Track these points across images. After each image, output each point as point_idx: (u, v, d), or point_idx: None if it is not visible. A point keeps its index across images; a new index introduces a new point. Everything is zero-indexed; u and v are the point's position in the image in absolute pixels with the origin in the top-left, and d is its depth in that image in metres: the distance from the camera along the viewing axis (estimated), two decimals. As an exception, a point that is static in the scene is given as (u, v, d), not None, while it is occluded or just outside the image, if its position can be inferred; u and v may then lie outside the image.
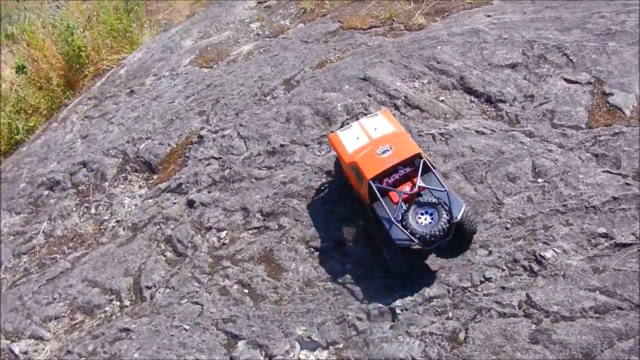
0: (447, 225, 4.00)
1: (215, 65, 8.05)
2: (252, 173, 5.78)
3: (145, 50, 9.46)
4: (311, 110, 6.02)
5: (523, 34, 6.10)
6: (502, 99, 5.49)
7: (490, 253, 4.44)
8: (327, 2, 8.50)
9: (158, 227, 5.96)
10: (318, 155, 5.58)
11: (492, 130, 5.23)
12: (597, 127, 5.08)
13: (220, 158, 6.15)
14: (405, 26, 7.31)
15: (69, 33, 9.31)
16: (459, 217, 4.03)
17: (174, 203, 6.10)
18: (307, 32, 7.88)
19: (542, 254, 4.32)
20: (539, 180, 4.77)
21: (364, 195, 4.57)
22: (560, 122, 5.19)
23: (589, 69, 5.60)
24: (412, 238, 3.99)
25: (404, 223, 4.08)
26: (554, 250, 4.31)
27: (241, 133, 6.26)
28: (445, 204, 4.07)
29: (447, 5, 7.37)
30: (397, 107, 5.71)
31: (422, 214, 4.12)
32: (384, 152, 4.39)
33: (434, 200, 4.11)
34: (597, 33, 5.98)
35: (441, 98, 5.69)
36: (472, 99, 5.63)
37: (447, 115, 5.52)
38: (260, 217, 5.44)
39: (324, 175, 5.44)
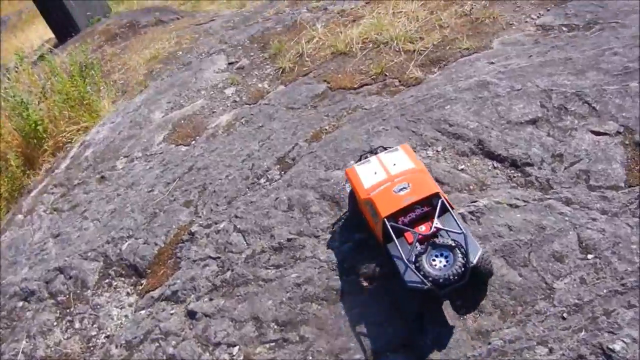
0: (462, 269, 3.99)
1: (194, 142, 7.85)
2: (259, 274, 5.55)
3: (111, 126, 9.24)
4: (316, 194, 5.83)
5: (537, 82, 6.04)
6: (528, 162, 5.38)
7: (551, 351, 4.27)
8: (307, 59, 8.35)
9: (157, 344, 5.68)
10: (333, 249, 5.36)
11: (525, 201, 5.09)
12: (638, 185, 4.96)
13: (219, 258, 5.91)
14: (400, 81, 7.25)
15: (23, 108, 9.08)
16: (474, 262, 4.08)
17: (172, 314, 5.83)
18: (291, 95, 7.75)
19: (610, 346, 4.15)
20: (589, 256, 4.63)
21: (377, 234, 4.59)
22: (597, 183, 5.07)
23: (614, 116, 5.53)
24: (425, 281, 4.03)
25: (417, 265, 4.12)
26: (623, 341, 4.14)
27: (238, 226, 6.04)
28: (462, 247, 4.11)
29: (442, 53, 7.32)
30: (412, 182, 5.52)
31: (436, 256, 4.08)
32: (401, 190, 4.44)
33: (451, 242, 4.17)
34: (614, 73, 5.94)
35: (461, 167, 5.56)
36: (495, 164, 5.50)
37: (471, 187, 5.38)
38: (276, 327, 5.20)
39: (345, 271, 5.20)
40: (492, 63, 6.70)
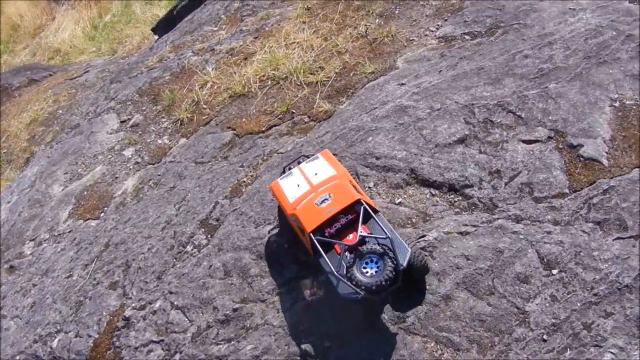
0: (394, 273, 4.28)
1: (103, 215, 7.55)
2: (211, 352, 5.39)
3: (8, 206, 8.73)
4: (252, 255, 5.74)
5: (455, 98, 6.24)
6: (467, 184, 5.53)
7: (540, 379, 4.35)
8: (204, 106, 8.26)
9: None
10: (284, 311, 5.28)
11: (474, 226, 5.22)
12: (582, 189, 5.23)
13: (162, 340, 5.68)
14: (309, 117, 7.28)
15: None
16: (404, 264, 4.32)
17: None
18: (196, 149, 7.64)
19: (599, 361, 4.29)
20: (554, 271, 4.80)
21: (307, 247, 4.86)
22: (541, 194, 5.28)
23: (541, 121, 5.79)
24: (358, 290, 4.26)
25: (349, 275, 4.34)
26: (611, 352, 4.30)
27: (175, 302, 5.84)
28: (390, 252, 4.34)
29: (347, 81, 7.43)
30: (351, 225, 5.53)
31: (367, 264, 4.41)
32: (323, 202, 4.75)
33: (379, 248, 4.39)
34: (531, 77, 6.24)
35: (397, 200, 5.64)
36: (433, 191, 5.62)
37: (414, 220, 5.46)
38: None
39: (302, 334, 5.12)
40: (403, 84, 6.86)
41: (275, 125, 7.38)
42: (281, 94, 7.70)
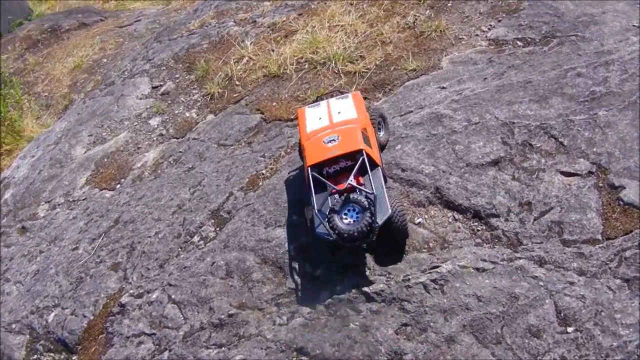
0: (367, 228, 4.48)
1: (119, 186, 7.37)
2: (200, 356, 5.15)
3: (31, 161, 8.63)
4: (257, 259, 5.45)
5: (496, 113, 5.79)
6: (493, 213, 5.11)
7: None
8: (237, 82, 7.92)
9: None
10: (280, 325, 4.98)
11: (493, 263, 4.82)
12: (616, 238, 4.79)
13: (154, 334, 5.49)
14: None
15: None
16: (379, 223, 4.47)
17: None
18: (222, 129, 7.38)
19: None
20: (569, 329, 4.40)
21: (305, 179, 4.96)
22: (571, 236, 4.85)
23: (585, 152, 5.31)
24: (331, 233, 4.52)
25: (330, 216, 4.58)
26: None
27: (173, 296, 5.62)
28: (371, 207, 4.49)
29: (387, 75, 7.02)
30: (365, 241, 5.18)
31: (348, 212, 4.64)
32: (330, 142, 4.95)
33: (363, 201, 4.56)
34: (581, 100, 5.75)
35: (417, 220, 5.25)
36: (456, 216, 5.22)
37: (431, 244, 5.08)
38: None
39: (294, 354, 4.82)
40: (444, 88, 6.42)
41: (305, 114, 6.85)
42: (316, 81, 7.32)
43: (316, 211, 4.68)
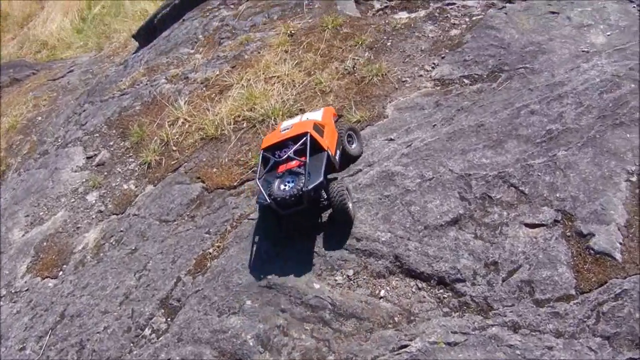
0: (297, 192, 5.17)
1: (61, 273, 7.18)
2: None
3: None
4: (214, 352, 5.28)
5: (450, 165, 5.73)
6: (459, 278, 5.02)
7: None
8: (174, 148, 7.74)
9: None
10: None
11: (464, 334, 4.72)
12: (591, 291, 4.74)
13: None
14: None
15: None
16: (309, 188, 5.15)
17: None
18: (162, 202, 7.33)
19: None
20: (554, 401, 4.24)
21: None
22: (544, 295, 4.79)
23: (547, 199, 5.28)
24: (267, 198, 5.22)
25: (268, 185, 5.32)
26: None
27: (128, 407, 5.33)
28: (307, 175, 5.24)
29: (331, 129, 6.84)
30: (326, 323, 5.08)
31: (288, 182, 5.33)
32: (284, 130, 5.74)
33: (299, 169, 5.30)
34: (537, 141, 5.75)
35: (379, 293, 5.15)
36: (420, 284, 5.12)
37: (396, 319, 4.97)
38: None
39: None
40: (392, 140, 6.36)
41: (247, 180, 6.96)
42: (256, 140, 7.21)
43: (258, 181, 5.49)
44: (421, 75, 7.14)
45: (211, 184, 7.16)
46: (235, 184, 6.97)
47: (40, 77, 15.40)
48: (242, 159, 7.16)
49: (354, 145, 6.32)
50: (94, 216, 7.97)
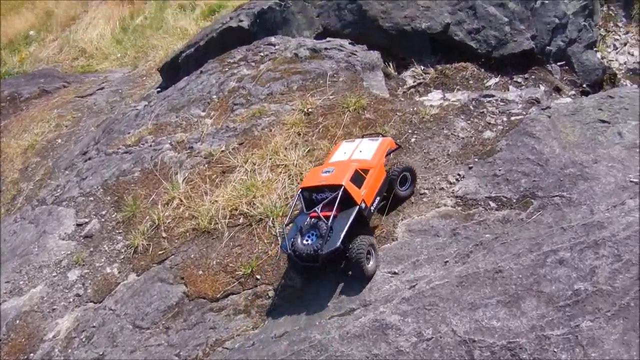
0: (313, 252, 5.51)
1: (27, 365, 6.79)
2: None
3: None
4: None
5: (454, 323, 5.17)
6: None
7: None
8: (164, 234, 7.59)
9: None
10: None
11: None
12: None
13: None
14: (275, 290, 6.48)
15: None
16: (323, 252, 5.46)
17: None
18: (140, 302, 7.07)
19: None
20: None
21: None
22: None
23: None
24: (288, 247, 5.62)
25: (295, 234, 5.73)
26: None
27: None
28: (328, 236, 5.53)
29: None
30: None
31: (311, 235, 5.69)
32: (325, 172, 5.92)
33: (324, 229, 5.57)
34: (560, 304, 5.12)
35: None
36: None
37: None
38: None
39: None
40: (395, 274, 5.83)
41: (232, 294, 6.59)
42: (250, 244, 6.82)
43: (285, 227, 6.04)
44: (442, 189, 6.55)
45: (194, 290, 6.82)
46: (218, 295, 6.64)
47: (70, 91, 15.89)
48: (231, 264, 6.76)
49: (405, 188, 6.58)
50: (71, 299, 7.75)
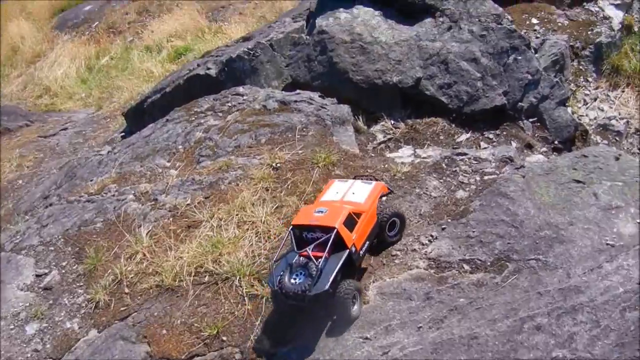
0: (298, 292, 5.47)
1: None
2: None
3: None
4: None
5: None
6: None
7: None
8: (126, 290, 7.42)
9: None
10: None
11: None
12: None
13: None
14: (242, 353, 6.28)
15: None
16: (311, 294, 5.41)
17: None
18: None
19: None
20: None
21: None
22: None
23: None
24: (275, 284, 5.57)
25: (284, 271, 5.67)
26: None
27: None
28: (316, 278, 5.49)
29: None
30: None
31: (299, 274, 5.64)
32: (318, 212, 5.89)
33: (313, 269, 5.52)
34: (535, 377, 4.88)
35: None
36: None
37: None
38: None
39: None
40: (367, 339, 5.72)
41: (197, 355, 6.38)
42: (215, 303, 6.65)
43: (273, 262, 5.95)
44: (415, 250, 6.45)
45: (157, 350, 6.60)
46: (183, 356, 6.42)
47: (32, 130, 15.89)
48: (196, 324, 6.57)
49: (393, 233, 6.60)
50: (29, 354, 7.43)
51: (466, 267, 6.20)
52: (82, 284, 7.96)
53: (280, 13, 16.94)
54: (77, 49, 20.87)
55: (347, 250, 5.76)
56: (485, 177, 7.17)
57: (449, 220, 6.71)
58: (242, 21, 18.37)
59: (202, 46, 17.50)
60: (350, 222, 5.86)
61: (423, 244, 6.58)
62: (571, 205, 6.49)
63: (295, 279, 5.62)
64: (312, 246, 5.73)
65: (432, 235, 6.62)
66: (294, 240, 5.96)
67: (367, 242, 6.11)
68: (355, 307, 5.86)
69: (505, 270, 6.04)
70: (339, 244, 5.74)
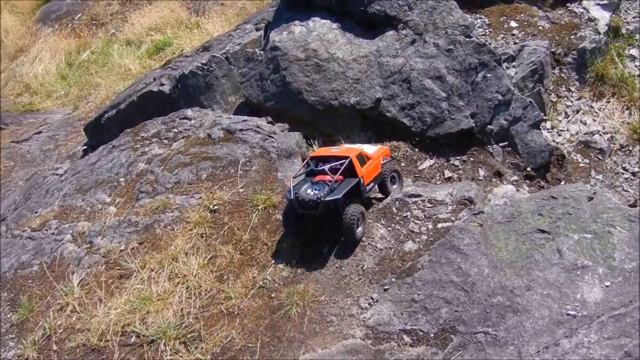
0: (315, 199, 6.24)
1: None
2: None
3: None
4: None
5: None
6: None
7: None
8: (54, 347, 6.96)
9: None
10: None
11: None
12: None
13: None
14: None
15: None
16: (326, 199, 6.19)
17: None
18: None
19: None
20: None
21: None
22: None
23: None
24: (291, 192, 6.39)
25: (299, 185, 6.54)
26: None
27: None
28: (331, 189, 6.33)
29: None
30: None
31: (314, 189, 6.45)
32: (335, 149, 6.99)
33: (330, 184, 6.37)
34: None
35: None
36: None
37: None
38: None
39: None
40: None
41: None
42: None
43: (292, 178, 6.70)
44: (352, 315, 5.74)
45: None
46: None
47: (7, 135, 15.78)
48: (118, 392, 5.77)
49: (394, 187, 7.31)
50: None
51: (406, 338, 5.49)
52: (14, 335, 7.51)
53: (261, 4, 16.63)
54: (59, 43, 20.61)
55: (358, 179, 6.49)
56: (439, 225, 6.40)
57: (393, 280, 5.98)
58: (222, 13, 17.55)
59: (180, 41, 17.23)
60: (362, 159, 6.68)
61: (362, 308, 5.86)
62: (531, 263, 5.70)
63: (311, 191, 6.34)
64: (327, 167, 6.54)
65: (372, 298, 5.92)
66: (305, 164, 6.87)
67: (372, 184, 6.86)
68: (360, 229, 6.47)
69: (449, 344, 5.32)
70: (351, 174, 6.51)
